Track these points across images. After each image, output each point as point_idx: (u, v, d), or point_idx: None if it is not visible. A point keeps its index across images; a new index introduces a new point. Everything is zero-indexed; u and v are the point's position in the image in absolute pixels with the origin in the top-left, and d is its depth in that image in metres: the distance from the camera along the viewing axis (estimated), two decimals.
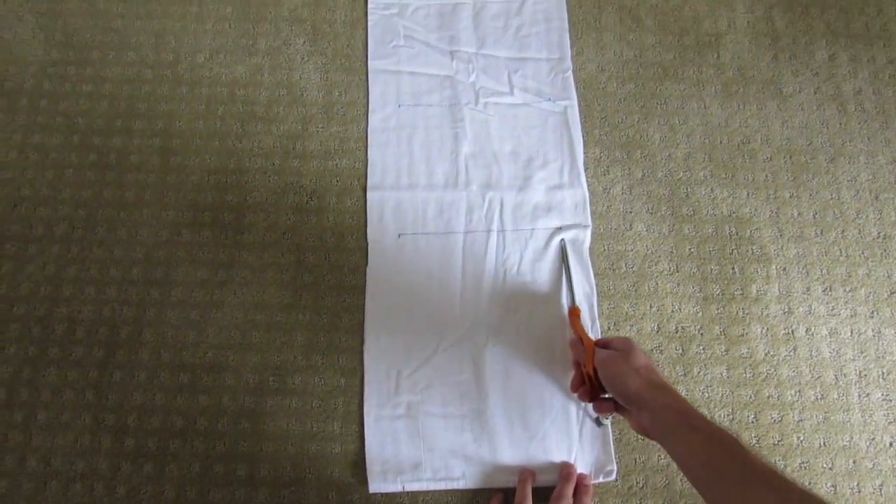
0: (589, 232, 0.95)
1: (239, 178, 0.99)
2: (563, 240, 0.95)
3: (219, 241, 0.95)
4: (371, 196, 0.97)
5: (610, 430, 0.87)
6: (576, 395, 0.83)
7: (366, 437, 0.87)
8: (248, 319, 0.92)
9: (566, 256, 0.94)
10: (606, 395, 0.80)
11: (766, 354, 0.91)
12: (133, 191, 0.98)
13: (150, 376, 0.89)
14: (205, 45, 1.06)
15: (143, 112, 1.02)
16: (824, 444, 0.88)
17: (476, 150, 1.00)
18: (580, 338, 0.84)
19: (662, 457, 0.86)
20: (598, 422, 0.87)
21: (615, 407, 0.78)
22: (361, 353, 0.90)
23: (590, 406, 0.84)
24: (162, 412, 0.88)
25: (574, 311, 0.90)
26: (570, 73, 1.04)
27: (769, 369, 0.90)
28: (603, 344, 0.81)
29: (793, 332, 0.92)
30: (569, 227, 0.95)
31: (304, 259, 0.95)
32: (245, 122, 1.02)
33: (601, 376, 0.77)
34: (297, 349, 0.91)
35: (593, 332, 0.91)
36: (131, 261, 0.94)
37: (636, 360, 0.75)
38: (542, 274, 0.94)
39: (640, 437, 0.87)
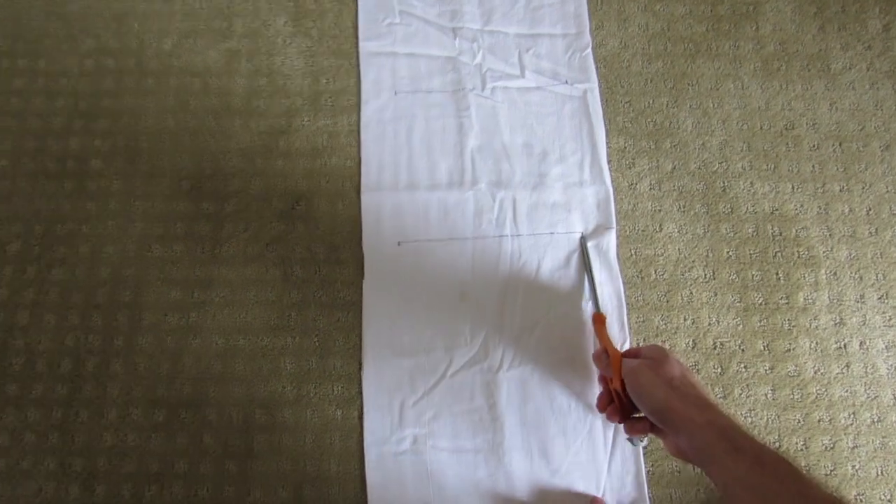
0: (614, 235, 0.84)
1: (215, 182, 0.87)
2: (582, 235, 0.84)
3: (194, 256, 0.85)
4: (366, 199, 0.86)
5: (643, 463, 0.77)
6: (604, 415, 0.73)
7: (367, 477, 0.78)
8: (230, 346, 0.82)
9: (587, 255, 0.83)
10: (639, 415, 0.70)
11: (815, 372, 0.81)
12: (96, 201, 0.87)
13: (121, 414, 0.80)
14: (173, 29, 0.94)
15: (104, 109, 0.91)
16: (882, 473, 0.78)
17: (484, 142, 0.89)
18: (605, 349, 0.74)
19: (701, 491, 0.77)
20: (631, 441, 0.77)
21: (651, 427, 0.68)
22: (359, 380, 0.81)
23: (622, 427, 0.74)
24: (135, 455, 0.79)
25: (599, 319, 0.79)
26: (588, 50, 0.92)
27: (819, 389, 0.81)
28: (633, 354, 0.71)
29: (845, 346, 0.82)
30: (593, 230, 0.84)
31: (292, 274, 0.84)
32: (221, 116, 0.90)
33: (629, 390, 0.67)
34: (286, 379, 0.81)
35: (626, 349, 0.80)
36: (96, 282, 0.84)
37: (669, 370, 0.65)
38: (562, 285, 0.83)
39: (676, 469, 0.78)
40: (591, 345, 0.81)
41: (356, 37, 0.93)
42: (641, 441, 0.76)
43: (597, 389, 0.79)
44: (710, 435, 0.58)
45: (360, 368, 0.81)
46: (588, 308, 0.82)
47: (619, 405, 0.70)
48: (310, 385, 0.80)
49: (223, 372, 0.81)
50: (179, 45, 0.93)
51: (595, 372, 0.80)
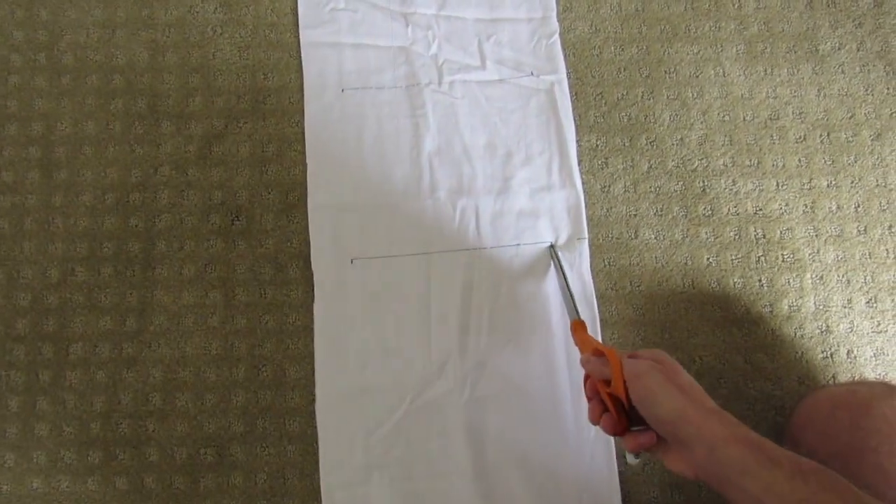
0: (586, 246, 0.78)
1: (144, 195, 0.79)
2: (552, 245, 0.77)
3: (124, 279, 0.77)
4: (314, 212, 0.78)
5: (618, 489, 0.72)
6: (597, 428, 0.65)
7: None
8: (170, 379, 0.75)
9: (558, 261, 0.76)
10: (637, 427, 0.60)
11: (800, 385, 0.76)
12: (9, 219, 0.78)
13: (52, 458, 0.73)
14: (88, 19, 0.83)
15: (13, 113, 0.80)
16: None
17: (442, 144, 0.80)
18: (597, 351, 0.65)
19: None
20: (626, 458, 0.70)
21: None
22: (314, 413, 0.74)
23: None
24: (69, 502, 0.72)
25: (578, 326, 0.71)
26: (556, 37, 0.83)
27: None
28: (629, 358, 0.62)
29: (832, 355, 0.77)
30: (564, 241, 0.77)
31: (235, 297, 0.76)
32: (148, 119, 0.80)
33: (633, 395, 0.58)
34: (234, 413, 0.74)
35: None
36: (14, 311, 0.76)
37: (679, 375, 0.58)
38: (531, 301, 0.76)
39: (655, 496, 0.73)
40: (567, 361, 0.75)
41: (296, 25, 0.83)
42: (639, 457, 0.69)
43: (573, 412, 0.73)
44: (737, 448, 0.51)
45: (313, 400, 0.74)
46: (564, 318, 0.76)
47: (617, 414, 0.61)
48: (261, 419, 0.74)
49: (163, 407, 0.74)
50: (97, 37, 0.82)
51: (573, 393, 0.74)
